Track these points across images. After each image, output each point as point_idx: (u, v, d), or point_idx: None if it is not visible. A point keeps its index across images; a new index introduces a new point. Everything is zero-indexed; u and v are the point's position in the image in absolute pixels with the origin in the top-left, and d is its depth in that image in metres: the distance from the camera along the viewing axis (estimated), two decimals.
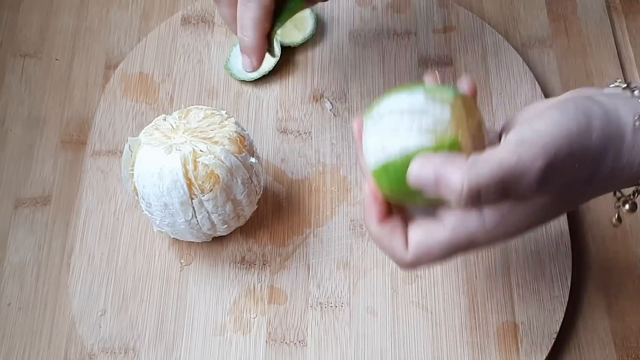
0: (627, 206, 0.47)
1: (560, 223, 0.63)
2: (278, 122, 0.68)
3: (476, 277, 0.61)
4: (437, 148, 0.42)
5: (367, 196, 0.45)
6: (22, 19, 0.75)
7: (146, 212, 0.57)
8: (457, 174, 0.40)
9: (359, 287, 0.61)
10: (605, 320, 0.61)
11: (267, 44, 0.56)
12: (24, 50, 0.74)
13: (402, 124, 0.42)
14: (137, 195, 0.57)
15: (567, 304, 0.60)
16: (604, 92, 0.45)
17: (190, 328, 0.59)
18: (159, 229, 0.59)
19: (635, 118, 0.43)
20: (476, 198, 0.41)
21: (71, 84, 0.72)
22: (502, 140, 0.44)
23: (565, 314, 0.59)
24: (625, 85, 0.45)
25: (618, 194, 0.48)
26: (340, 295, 0.60)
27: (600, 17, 0.75)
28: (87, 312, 0.60)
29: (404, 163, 0.42)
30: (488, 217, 0.42)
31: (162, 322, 0.59)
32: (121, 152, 0.61)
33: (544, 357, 0.58)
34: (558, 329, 0.59)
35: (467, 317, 0.59)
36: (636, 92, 0.44)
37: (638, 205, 0.47)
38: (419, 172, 0.42)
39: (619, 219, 0.49)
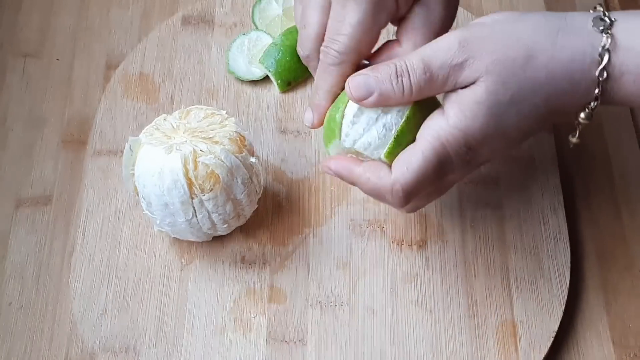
0: (582, 114, 0.47)
1: (559, 221, 0.63)
2: (278, 122, 0.68)
3: (475, 276, 0.61)
4: None
5: (334, 159, 0.51)
6: (22, 19, 0.75)
7: (147, 212, 0.58)
8: (386, 64, 0.47)
9: (359, 287, 0.61)
10: (604, 318, 0.61)
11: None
12: (24, 50, 0.74)
13: None
14: (138, 194, 0.57)
15: (566, 303, 0.60)
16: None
17: (191, 327, 0.59)
18: (159, 228, 0.59)
19: (591, 18, 0.44)
20: (406, 74, 0.46)
21: (72, 84, 0.72)
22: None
23: (564, 313, 0.60)
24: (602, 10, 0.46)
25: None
26: (340, 295, 0.61)
27: None
28: (88, 311, 0.60)
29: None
30: (448, 111, 0.46)
31: (163, 321, 0.60)
32: (122, 152, 0.61)
33: (543, 356, 0.58)
34: (557, 328, 0.59)
35: (466, 316, 0.60)
36: (598, 7, 0.46)
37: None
38: (358, 80, 0.48)
39: (578, 137, 0.49)
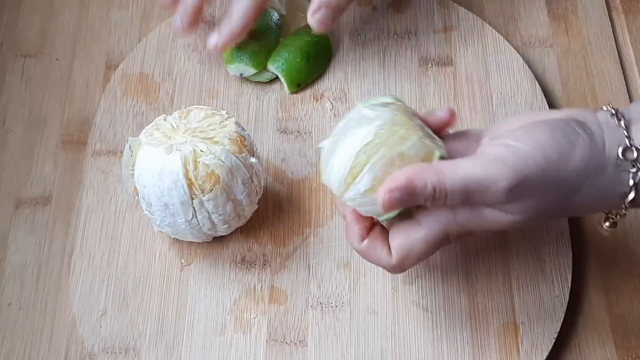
0: (607, 223, 0.50)
1: (561, 222, 0.63)
2: (278, 122, 0.68)
3: (476, 277, 0.61)
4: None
5: (348, 218, 0.50)
6: (22, 19, 0.75)
7: (146, 212, 0.57)
8: (424, 182, 0.44)
9: (360, 287, 0.61)
10: (606, 320, 0.61)
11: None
12: (24, 51, 0.74)
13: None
14: (138, 195, 0.57)
15: (568, 304, 0.60)
16: (597, 117, 0.46)
17: (191, 328, 0.59)
18: (159, 229, 0.59)
19: (620, 150, 0.44)
20: (441, 199, 0.44)
21: (72, 84, 0.72)
22: (482, 144, 0.46)
23: (565, 314, 0.59)
24: (613, 112, 0.46)
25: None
26: (340, 295, 0.60)
27: (601, 17, 0.75)
28: (88, 312, 0.60)
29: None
30: (460, 213, 0.46)
31: (163, 322, 0.60)
32: (122, 152, 0.61)
33: (545, 357, 0.58)
34: (558, 329, 0.59)
35: (467, 317, 0.59)
36: (622, 122, 0.45)
37: (618, 224, 0.50)
38: (390, 198, 0.44)
39: (609, 227, 0.51)
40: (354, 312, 0.60)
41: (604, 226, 0.50)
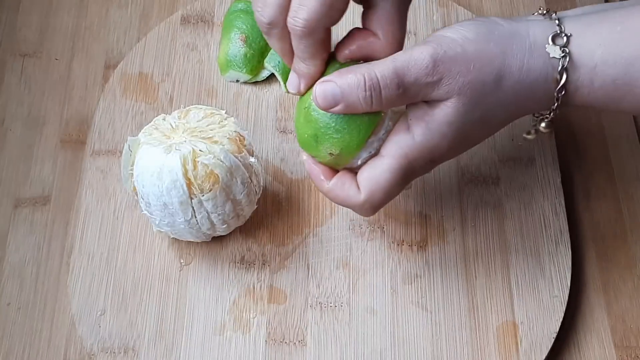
0: (543, 124, 0.50)
1: (560, 222, 0.63)
2: (278, 121, 0.68)
3: (475, 277, 0.61)
4: None
5: (307, 164, 0.51)
6: (21, 18, 0.75)
7: (145, 212, 0.57)
8: (355, 74, 0.45)
9: (359, 287, 0.61)
10: (605, 319, 0.61)
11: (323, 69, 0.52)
12: (23, 50, 0.74)
13: None
14: (137, 195, 0.57)
15: (567, 304, 0.60)
16: (527, 17, 0.48)
17: (190, 328, 0.59)
18: (158, 228, 0.59)
19: (549, 37, 0.46)
20: (377, 89, 0.45)
21: (71, 83, 0.72)
22: None
23: (564, 314, 0.59)
24: (545, 11, 0.48)
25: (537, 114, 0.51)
26: (339, 295, 0.60)
27: None
28: (87, 311, 0.60)
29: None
30: (415, 129, 0.47)
31: (162, 321, 0.59)
32: (121, 152, 0.61)
33: (544, 357, 0.58)
34: (558, 329, 0.59)
35: (466, 317, 0.59)
36: (553, 16, 0.47)
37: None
38: (324, 89, 0.46)
39: (534, 133, 0.51)
40: (353, 312, 0.60)
41: (540, 126, 0.50)
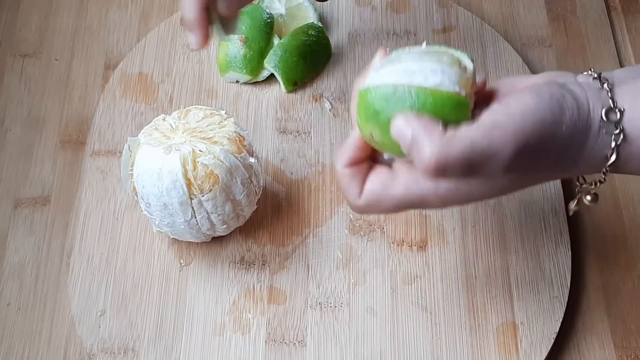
0: (588, 197, 0.48)
1: (560, 223, 0.63)
2: (277, 122, 0.68)
3: (475, 277, 0.61)
4: (445, 99, 0.43)
5: (350, 139, 0.47)
6: (21, 19, 0.75)
7: (145, 212, 0.57)
8: (429, 146, 0.41)
9: (359, 287, 0.61)
10: (605, 320, 0.61)
11: (206, 18, 0.54)
12: (23, 50, 0.74)
13: (417, 66, 0.43)
14: (137, 195, 0.57)
15: (567, 304, 0.60)
16: (577, 79, 0.46)
17: (190, 328, 0.59)
18: (158, 229, 0.59)
19: (603, 111, 0.43)
20: (442, 172, 0.42)
21: (70, 84, 0.72)
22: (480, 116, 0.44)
23: (564, 314, 0.59)
24: (595, 75, 0.45)
25: (581, 180, 0.49)
26: (339, 296, 0.60)
27: (600, 17, 0.75)
28: (87, 312, 0.60)
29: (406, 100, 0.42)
30: (442, 184, 0.44)
31: (162, 322, 0.59)
32: (120, 152, 0.61)
33: (544, 357, 0.58)
34: (557, 329, 0.59)
35: (466, 317, 0.59)
36: (605, 85, 0.45)
37: (599, 196, 0.49)
38: (400, 127, 0.43)
39: (577, 204, 0.49)
40: (353, 312, 0.60)
41: (585, 200, 0.48)
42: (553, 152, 0.43)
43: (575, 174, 0.47)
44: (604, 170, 0.45)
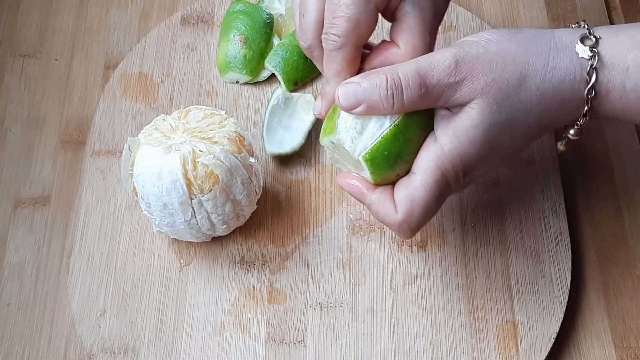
0: (572, 131, 0.49)
1: (560, 222, 0.63)
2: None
3: (475, 277, 0.61)
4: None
5: (343, 181, 0.51)
6: (21, 19, 0.75)
7: (145, 212, 0.57)
8: (378, 74, 0.46)
9: (359, 287, 0.61)
10: (605, 320, 0.61)
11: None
12: (23, 50, 0.74)
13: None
14: (137, 195, 0.57)
15: (567, 304, 0.60)
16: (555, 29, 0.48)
17: (190, 328, 0.59)
18: (158, 229, 0.59)
19: (578, 39, 0.46)
20: (399, 88, 0.45)
21: (70, 84, 0.72)
22: None
23: (564, 314, 0.59)
24: (574, 26, 0.48)
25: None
26: (339, 296, 0.60)
27: (600, 17, 0.75)
28: (87, 312, 0.60)
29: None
30: (442, 139, 0.46)
31: (162, 322, 0.59)
32: (120, 152, 0.61)
33: (544, 357, 0.58)
34: (558, 329, 0.59)
35: (466, 317, 0.59)
36: (583, 23, 0.47)
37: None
38: (346, 89, 0.47)
39: (565, 143, 0.51)
40: (353, 312, 0.60)
41: (569, 133, 0.49)
42: (507, 65, 0.45)
43: (558, 109, 0.47)
44: (586, 98, 0.46)
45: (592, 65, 0.45)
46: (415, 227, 0.49)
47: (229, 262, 0.62)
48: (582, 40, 0.46)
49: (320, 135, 0.52)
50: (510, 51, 0.45)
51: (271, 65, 0.68)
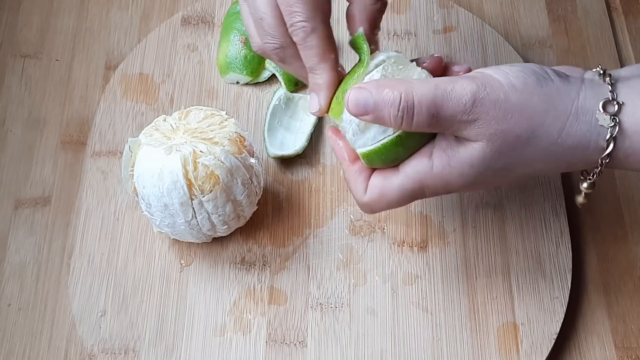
0: (585, 184, 0.49)
1: (561, 223, 0.63)
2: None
3: (476, 277, 0.61)
4: None
5: (332, 140, 0.51)
6: (22, 19, 0.75)
7: (146, 213, 0.57)
8: (393, 90, 0.45)
9: (359, 288, 0.61)
10: (606, 320, 0.61)
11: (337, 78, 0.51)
12: (24, 51, 0.74)
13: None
14: (137, 195, 0.57)
15: (567, 305, 0.60)
16: (583, 73, 0.47)
17: (190, 329, 0.59)
18: (159, 229, 0.59)
19: (601, 103, 0.44)
20: (410, 112, 0.44)
21: (71, 84, 0.72)
22: None
23: (565, 315, 0.59)
24: (601, 72, 0.47)
25: (584, 174, 0.49)
26: (340, 296, 0.60)
27: (600, 17, 0.75)
28: (87, 312, 0.60)
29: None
30: (436, 160, 0.47)
31: (162, 322, 0.59)
32: (121, 153, 0.61)
33: (544, 358, 0.58)
34: (558, 330, 0.59)
35: (467, 318, 0.59)
36: (608, 79, 0.46)
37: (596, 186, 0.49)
38: (357, 97, 0.46)
39: (584, 197, 0.50)
40: (353, 313, 0.60)
41: (582, 187, 0.49)
42: (522, 119, 0.44)
43: (570, 163, 0.47)
44: (600, 162, 0.45)
45: (611, 135, 0.44)
46: (375, 211, 0.50)
47: (229, 262, 0.62)
48: (605, 106, 0.44)
49: (331, 112, 0.51)
50: (529, 106, 0.44)
51: (272, 65, 0.68)
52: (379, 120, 0.46)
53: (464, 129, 0.45)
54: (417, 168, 0.47)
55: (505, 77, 0.45)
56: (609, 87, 0.45)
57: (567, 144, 0.45)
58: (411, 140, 0.47)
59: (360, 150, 0.48)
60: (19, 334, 0.61)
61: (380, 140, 0.47)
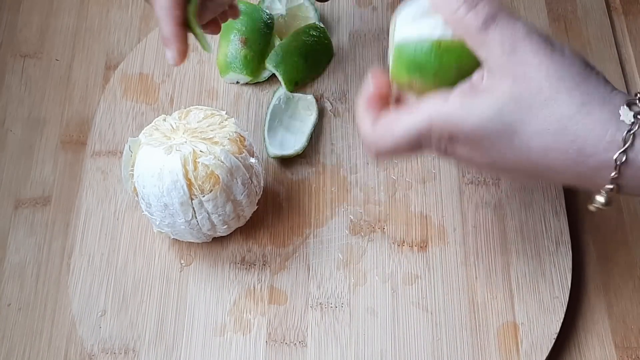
0: (598, 198, 0.47)
1: (561, 223, 0.63)
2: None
3: (476, 277, 0.61)
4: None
5: (373, 78, 0.49)
6: (22, 19, 0.75)
7: (146, 213, 0.57)
8: None
9: (359, 288, 0.61)
10: (606, 320, 0.61)
11: (183, 34, 0.55)
12: (24, 51, 0.74)
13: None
14: (137, 195, 0.57)
15: (567, 305, 0.60)
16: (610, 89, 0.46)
17: (190, 328, 0.59)
18: (159, 229, 0.59)
19: (625, 102, 0.43)
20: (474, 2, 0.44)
21: (71, 84, 0.72)
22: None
23: (565, 315, 0.59)
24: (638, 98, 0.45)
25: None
26: (340, 296, 0.60)
27: (600, 17, 0.75)
28: (87, 312, 0.60)
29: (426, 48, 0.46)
30: (451, 98, 0.45)
31: (162, 322, 0.59)
32: (121, 153, 0.61)
33: (544, 358, 0.58)
34: (558, 330, 0.59)
35: (467, 318, 0.59)
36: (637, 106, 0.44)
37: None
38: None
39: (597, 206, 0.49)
40: (353, 313, 0.60)
41: (600, 204, 0.48)
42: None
43: (580, 157, 0.45)
44: (616, 163, 0.44)
45: (629, 130, 0.43)
46: (380, 153, 0.48)
47: (229, 262, 0.62)
48: (630, 104, 0.44)
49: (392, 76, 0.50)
50: (565, 71, 0.44)
51: (271, 65, 0.68)
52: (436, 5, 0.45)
53: (500, 55, 0.44)
54: (429, 103, 0.46)
55: (555, 48, 0.45)
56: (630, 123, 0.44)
57: (584, 122, 0.43)
58: (444, 56, 0.46)
59: (396, 44, 0.47)
60: (19, 333, 0.61)
61: (421, 39, 0.46)
